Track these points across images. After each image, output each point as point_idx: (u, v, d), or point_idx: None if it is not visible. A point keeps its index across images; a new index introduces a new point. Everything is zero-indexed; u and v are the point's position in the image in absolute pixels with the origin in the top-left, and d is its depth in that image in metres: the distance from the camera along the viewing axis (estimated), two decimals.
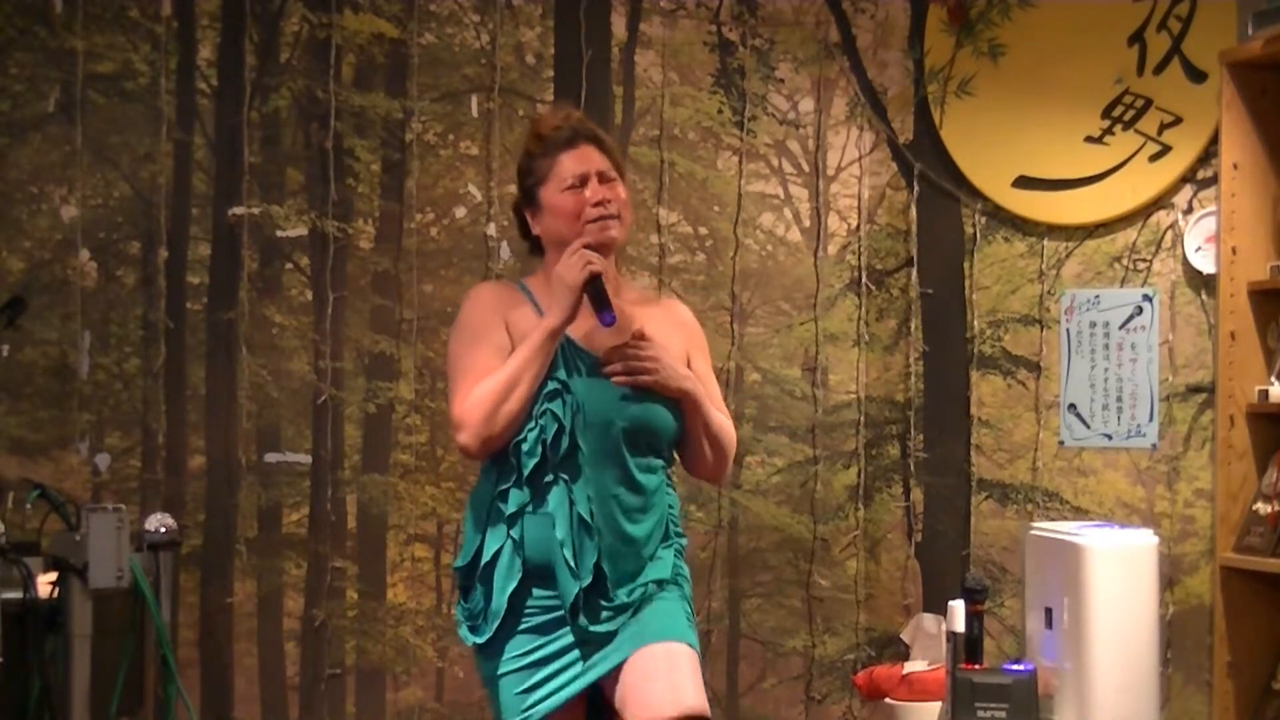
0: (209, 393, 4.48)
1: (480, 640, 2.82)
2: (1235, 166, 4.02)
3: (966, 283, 4.50)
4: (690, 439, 2.88)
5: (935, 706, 3.73)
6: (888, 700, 3.94)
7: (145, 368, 4.46)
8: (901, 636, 4.32)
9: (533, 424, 2.74)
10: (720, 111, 4.57)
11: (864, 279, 4.58)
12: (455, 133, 4.59)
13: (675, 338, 2.90)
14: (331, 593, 4.48)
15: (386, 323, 4.53)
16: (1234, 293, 4.02)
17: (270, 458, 4.49)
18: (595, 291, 2.73)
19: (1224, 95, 4.01)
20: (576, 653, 2.77)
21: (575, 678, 2.77)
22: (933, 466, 4.51)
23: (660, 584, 2.82)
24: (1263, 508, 3.94)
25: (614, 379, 2.77)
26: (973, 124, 4.47)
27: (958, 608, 3.47)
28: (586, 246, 2.76)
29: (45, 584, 3.19)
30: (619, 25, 4.58)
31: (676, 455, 2.94)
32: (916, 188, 4.54)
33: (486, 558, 2.79)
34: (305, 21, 4.53)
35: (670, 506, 2.89)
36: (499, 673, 2.80)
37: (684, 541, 2.93)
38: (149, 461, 4.45)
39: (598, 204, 2.79)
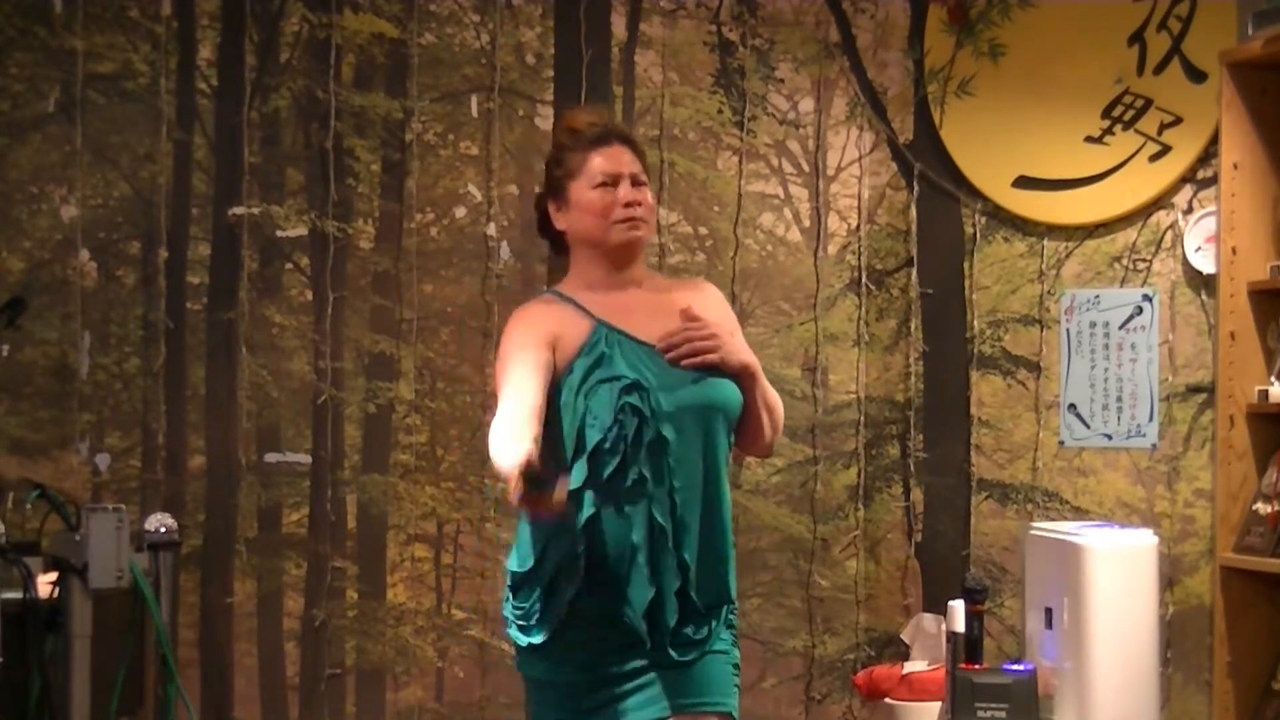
0: (209, 393, 4.48)
1: (536, 641, 2.70)
2: (1235, 166, 4.02)
3: (966, 283, 4.50)
4: (751, 413, 2.77)
5: (935, 706, 3.73)
6: (888, 700, 3.94)
7: (145, 368, 4.46)
8: (901, 636, 4.32)
9: (613, 423, 2.62)
10: (720, 111, 4.57)
11: (864, 279, 4.58)
12: (455, 133, 4.59)
13: (716, 316, 2.82)
14: (331, 593, 4.48)
15: (386, 323, 4.53)
16: (1234, 293, 4.02)
17: (270, 458, 4.49)
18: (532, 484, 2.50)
19: (1224, 95, 4.01)
20: (634, 681, 2.65)
21: (623, 711, 2.65)
22: (933, 466, 4.51)
23: (714, 635, 2.70)
24: (1263, 508, 3.94)
25: (682, 363, 2.68)
26: (973, 124, 4.47)
27: (958, 608, 3.47)
28: (615, 245, 2.73)
29: (45, 584, 3.19)
30: (619, 25, 4.58)
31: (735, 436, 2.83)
32: (916, 188, 4.54)
33: (551, 562, 2.67)
34: (305, 21, 4.53)
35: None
36: (546, 678, 2.71)
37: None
38: (149, 461, 4.45)
39: (628, 204, 2.74)
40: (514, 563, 2.74)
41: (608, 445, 2.62)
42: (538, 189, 2.90)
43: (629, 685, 2.66)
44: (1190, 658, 4.23)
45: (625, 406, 2.62)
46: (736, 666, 2.76)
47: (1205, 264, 4.22)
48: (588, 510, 2.63)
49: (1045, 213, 4.42)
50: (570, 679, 2.68)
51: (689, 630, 2.66)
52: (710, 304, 2.85)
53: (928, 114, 4.51)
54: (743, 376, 2.74)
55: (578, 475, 2.63)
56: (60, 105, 4.43)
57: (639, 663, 2.65)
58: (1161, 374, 4.30)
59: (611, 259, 2.77)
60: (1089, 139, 4.36)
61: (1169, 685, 4.18)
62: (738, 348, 2.74)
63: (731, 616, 2.76)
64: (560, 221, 2.82)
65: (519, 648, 2.74)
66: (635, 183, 2.77)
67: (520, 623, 2.72)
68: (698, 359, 2.68)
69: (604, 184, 2.75)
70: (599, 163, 2.76)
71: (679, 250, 4.59)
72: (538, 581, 2.68)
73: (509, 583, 2.75)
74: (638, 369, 2.66)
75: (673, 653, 2.65)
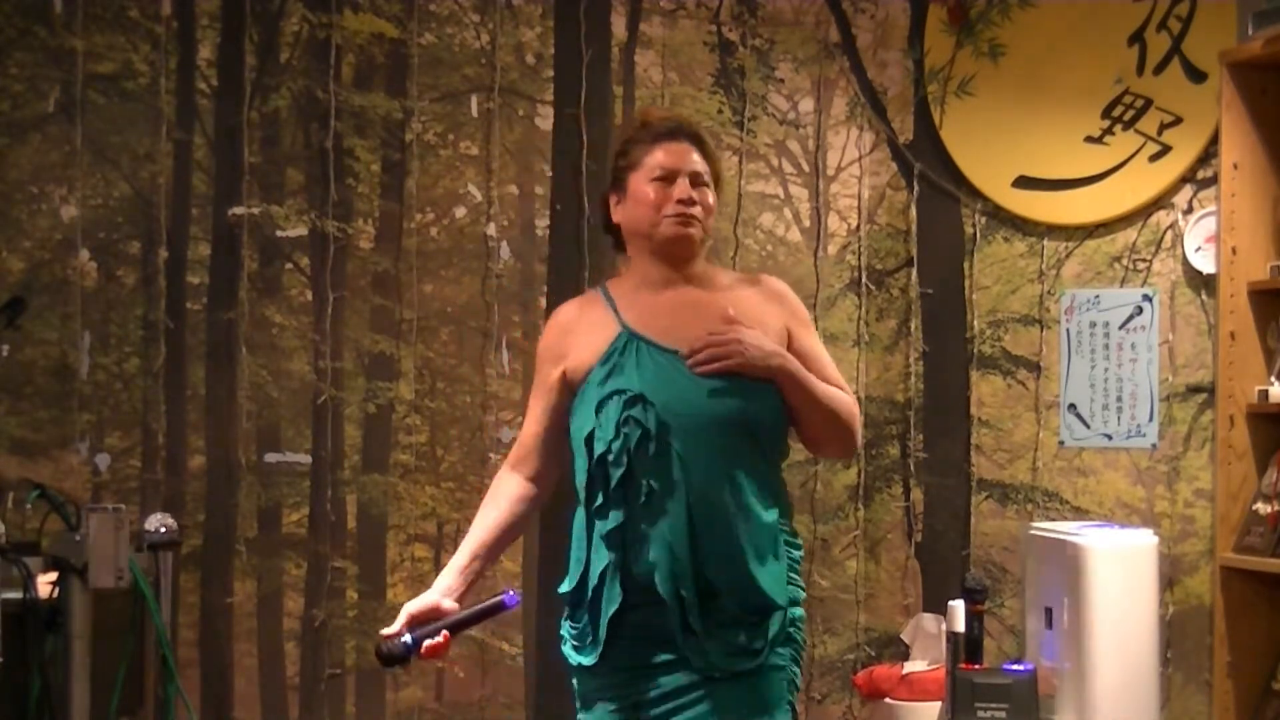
0: (209, 393, 4.48)
1: (586, 662, 2.67)
2: (1235, 166, 4.02)
3: (966, 283, 4.50)
4: (801, 417, 2.70)
5: (935, 706, 3.73)
6: (888, 700, 3.94)
7: (145, 368, 4.46)
8: (901, 636, 4.32)
9: (616, 435, 2.61)
10: (720, 111, 4.57)
11: (864, 279, 4.58)
12: (455, 133, 4.59)
13: (771, 313, 2.76)
14: (331, 593, 4.48)
15: (386, 323, 4.53)
16: (1234, 293, 4.02)
17: (270, 458, 4.49)
18: (470, 624, 2.72)
19: (1224, 95, 4.01)
20: (677, 695, 2.62)
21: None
22: (933, 466, 4.51)
23: (773, 642, 2.65)
24: (1263, 508, 3.94)
25: (697, 370, 2.63)
26: (973, 124, 4.47)
27: (958, 608, 3.47)
28: (663, 240, 2.71)
29: (45, 584, 3.19)
30: (619, 25, 4.58)
31: (800, 441, 2.79)
32: (916, 188, 4.54)
33: (594, 580, 2.65)
34: (305, 21, 4.53)
35: (781, 524, 2.70)
36: (598, 696, 2.69)
37: (798, 554, 2.73)
38: (149, 461, 4.45)
39: (682, 201, 2.70)
40: (563, 584, 2.74)
41: (611, 457, 2.61)
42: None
43: (678, 701, 2.62)
44: (1190, 658, 4.23)
45: (628, 419, 2.61)
46: (793, 684, 2.70)
47: (1205, 264, 4.22)
48: (613, 523, 2.62)
49: (1045, 213, 4.42)
50: (617, 695, 2.66)
51: (740, 638, 2.62)
52: (765, 302, 2.78)
53: (928, 114, 4.51)
54: (779, 381, 2.66)
55: (599, 493, 2.64)
56: (60, 105, 4.43)
57: (687, 677, 2.62)
58: (1161, 374, 4.30)
59: (663, 255, 2.73)
60: (1089, 139, 4.36)
61: (1169, 685, 4.18)
62: (768, 351, 2.65)
63: (791, 630, 2.69)
64: (617, 214, 2.78)
65: (571, 666, 2.73)
66: (695, 182, 2.72)
67: (575, 643, 2.71)
68: (718, 366, 2.62)
69: (661, 178, 2.71)
70: (659, 156, 2.73)
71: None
72: (584, 601, 2.67)
73: (567, 602, 2.74)
74: (649, 380, 2.63)
75: (719, 661, 2.60)
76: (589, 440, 2.65)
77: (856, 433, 2.78)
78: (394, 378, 4.52)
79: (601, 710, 2.69)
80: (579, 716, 2.74)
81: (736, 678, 2.62)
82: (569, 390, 2.74)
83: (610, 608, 2.62)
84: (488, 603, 2.67)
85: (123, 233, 4.49)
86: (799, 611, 2.72)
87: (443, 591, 2.69)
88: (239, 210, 4.50)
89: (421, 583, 4.52)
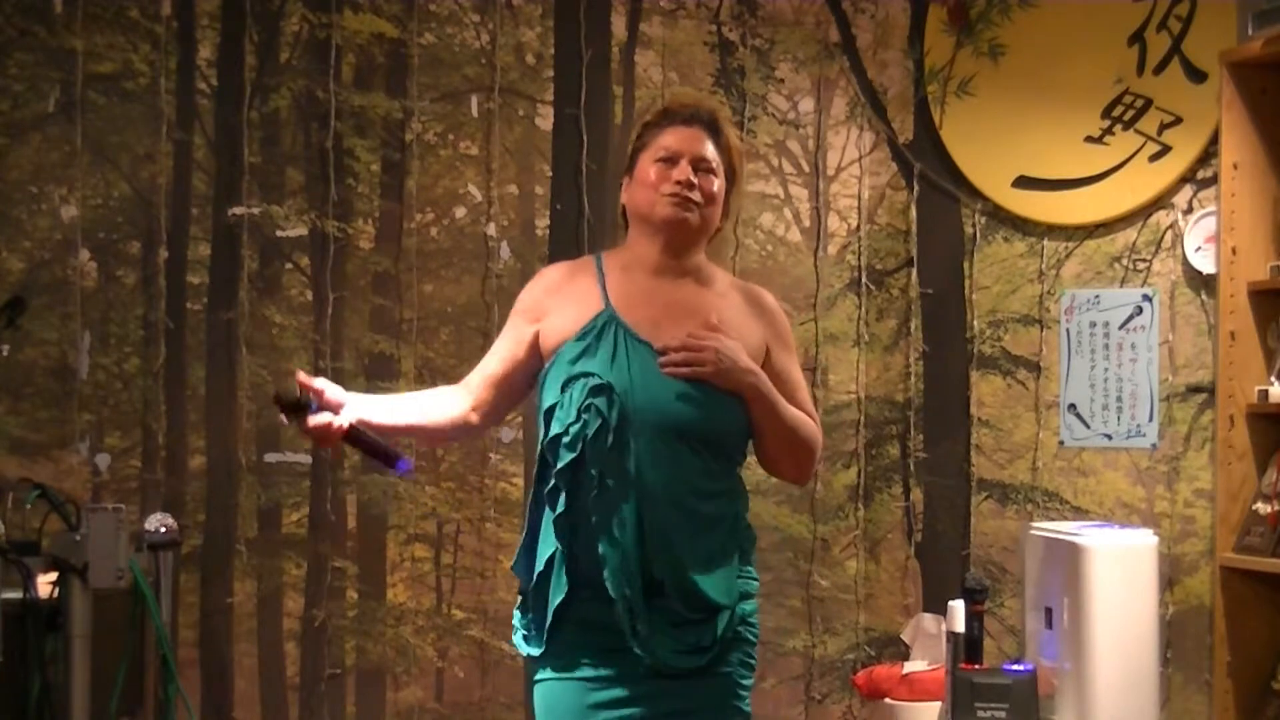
0: (209, 393, 4.48)
1: (534, 652, 2.66)
2: (1235, 166, 4.02)
3: (966, 283, 4.50)
4: (760, 437, 2.70)
5: (935, 706, 3.73)
6: (888, 700, 3.94)
7: (145, 368, 4.46)
8: (901, 636, 4.32)
9: (576, 419, 2.57)
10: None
11: (864, 279, 4.58)
12: (455, 133, 4.59)
13: (754, 327, 2.74)
14: (331, 593, 4.48)
15: (386, 323, 4.53)
16: (1234, 293, 4.02)
17: (270, 458, 4.49)
18: (362, 444, 2.64)
19: (1224, 95, 4.01)
20: (625, 690, 2.59)
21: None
22: (933, 466, 4.51)
23: (722, 641, 2.64)
24: (1263, 508, 3.94)
25: (665, 370, 2.59)
26: (973, 124, 4.47)
27: (958, 608, 3.47)
28: (659, 221, 2.68)
29: (45, 584, 3.19)
30: (619, 25, 4.58)
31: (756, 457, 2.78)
32: (916, 188, 4.54)
33: (540, 565, 2.62)
34: (305, 21, 4.53)
35: (737, 521, 2.70)
36: (547, 683, 2.65)
37: (750, 545, 2.73)
38: (149, 461, 4.45)
39: (680, 183, 2.66)
40: (513, 562, 2.72)
41: (566, 439, 2.58)
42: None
43: (626, 693, 2.59)
44: (1190, 658, 4.23)
45: (590, 406, 2.57)
46: (742, 686, 2.69)
47: (1205, 264, 4.22)
48: (561, 509, 2.59)
49: (1045, 213, 4.42)
50: (564, 680, 2.63)
51: (690, 636, 2.60)
52: (751, 314, 2.75)
53: (928, 114, 4.51)
54: (743, 395, 2.64)
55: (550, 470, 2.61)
56: (60, 105, 4.43)
57: (635, 672, 2.59)
58: (1161, 374, 4.30)
59: (661, 240, 2.69)
60: (1089, 139, 4.36)
61: (1169, 685, 4.18)
62: (742, 367, 2.62)
63: (740, 628, 2.68)
64: (624, 195, 2.77)
65: (524, 659, 2.72)
66: (699, 167, 2.68)
67: (524, 632, 2.70)
68: (688, 371, 2.60)
69: (665, 159, 2.69)
70: (667, 138, 2.70)
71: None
72: (535, 587, 2.65)
73: (519, 589, 2.72)
74: (620, 371, 2.60)
75: (666, 659, 2.59)
76: (548, 415, 2.62)
77: (814, 460, 2.81)
78: (394, 378, 4.52)
79: (553, 681, 2.64)
80: (534, 689, 2.68)
81: (687, 675, 2.61)
82: (535, 351, 2.72)
83: (557, 596, 2.60)
84: (389, 448, 2.64)
85: (123, 233, 4.49)
86: (750, 606, 2.71)
87: (358, 401, 2.68)
88: (239, 210, 4.49)
89: (421, 582, 4.53)
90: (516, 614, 2.72)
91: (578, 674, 2.62)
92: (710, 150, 2.71)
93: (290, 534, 4.50)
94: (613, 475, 2.57)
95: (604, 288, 2.69)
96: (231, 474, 4.46)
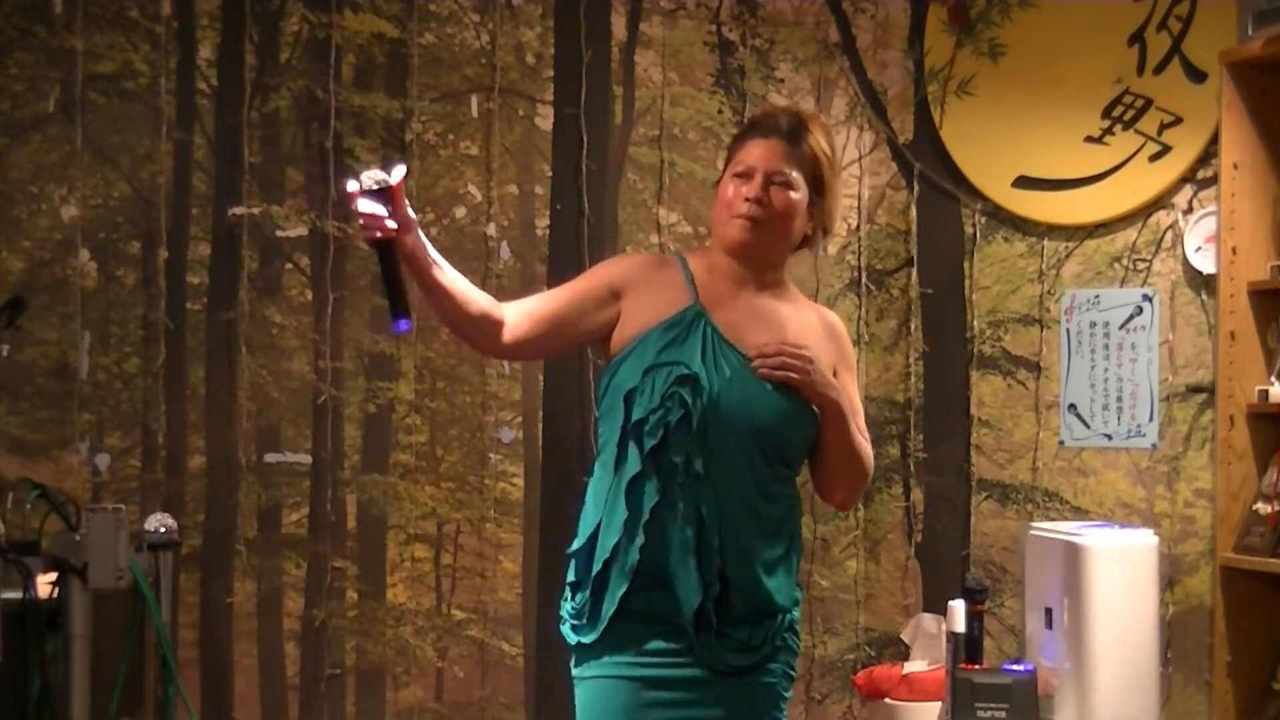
0: (209, 393, 4.48)
1: (585, 640, 2.61)
2: (1235, 166, 4.02)
3: (966, 283, 4.50)
4: (824, 456, 2.71)
5: (935, 706, 3.73)
6: (888, 700, 3.94)
7: (145, 368, 4.46)
8: (901, 636, 4.31)
9: (659, 407, 2.55)
10: (720, 111, 4.57)
11: (864, 279, 4.58)
12: (455, 133, 4.59)
13: (828, 348, 2.74)
14: (331, 593, 4.48)
15: (386, 323, 4.52)
16: (1234, 293, 4.02)
17: (270, 458, 4.49)
18: (389, 266, 2.48)
19: (1224, 95, 4.01)
20: (677, 693, 2.58)
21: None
22: (933, 466, 4.51)
23: (771, 644, 2.64)
24: (1263, 508, 3.94)
25: (760, 370, 2.59)
26: (973, 124, 4.47)
27: (958, 608, 3.47)
28: (725, 242, 2.66)
29: (45, 584, 3.19)
30: (619, 25, 4.58)
31: (810, 476, 2.78)
32: (916, 188, 4.54)
33: (604, 552, 2.58)
34: (305, 21, 4.53)
35: (796, 529, 2.71)
36: (596, 677, 2.61)
37: (799, 591, 2.73)
38: (149, 461, 4.45)
39: (750, 200, 2.63)
40: (574, 544, 2.66)
41: (647, 427, 2.56)
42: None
43: (679, 694, 2.59)
44: (1190, 658, 4.23)
45: (675, 394, 2.56)
46: (784, 696, 2.69)
47: (1205, 264, 4.22)
48: (649, 497, 2.56)
49: (1045, 213, 4.42)
50: (615, 675, 2.60)
51: (743, 635, 2.60)
52: (823, 334, 2.75)
53: (928, 114, 4.51)
54: (825, 412, 2.65)
55: (632, 461, 2.56)
56: (60, 105, 4.43)
57: (689, 670, 2.59)
58: (1161, 374, 4.30)
59: (733, 255, 2.69)
60: (1089, 139, 4.36)
61: (1169, 685, 4.18)
62: (828, 382, 2.64)
63: (788, 634, 2.68)
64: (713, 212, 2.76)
65: (569, 646, 2.67)
66: (774, 181, 2.65)
67: (574, 621, 2.65)
68: (782, 375, 2.60)
69: (740, 174, 2.67)
70: (747, 153, 2.68)
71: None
72: (587, 577, 2.61)
73: (568, 580, 2.68)
74: (709, 366, 2.59)
75: (722, 656, 2.59)
76: (628, 398, 2.59)
77: (864, 487, 2.82)
78: (394, 378, 4.52)
79: (604, 686, 2.61)
80: (576, 673, 2.65)
81: (735, 674, 2.61)
82: (604, 320, 2.66)
83: (620, 587, 2.57)
84: (405, 292, 2.52)
85: (123, 233, 4.49)
86: (797, 614, 2.72)
87: (419, 235, 2.55)
88: (239, 210, 4.50)
89: (421, 582, 4.53)
90: (565, 604, 2.67)
91: (628, 672, 2.59)
92: (787, 163, 2.67)
93: (290, 534, 4.50)
94: (691, 466, 2.56)
95: (692, 284, 2.68)
96: (231, 474, 4.46)
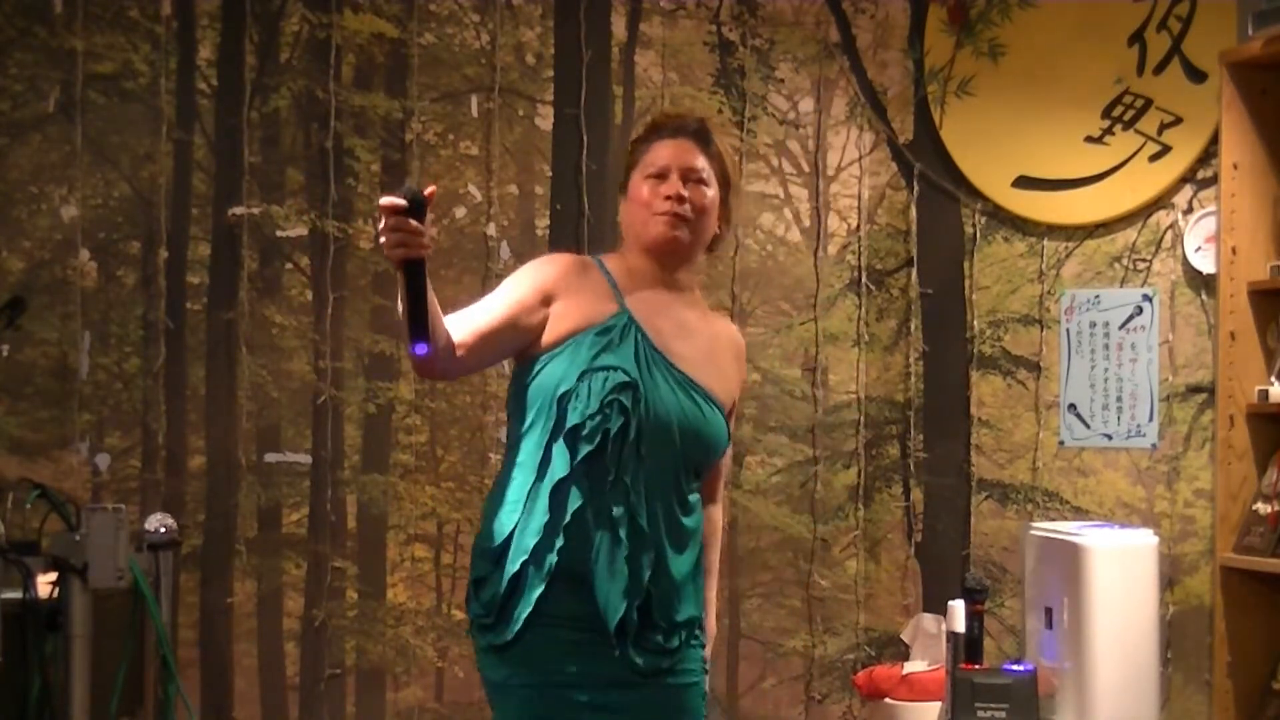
0: (209, 393, 4.48)
1: (497, 641, 2.57)
2: (1235, 166, 4.02)
3: (966, 283, 4.50)
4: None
5: (935, 706, 3.73)
6: (888, 700, 3.94)
7: (145, 368, 4.46)
8: (901, 636, 4.32)
9: (598, 413, 2.52)
10: (720, 111, 4.57)
11: (864, 279, 4.58)
12: (455, 133, 4.59)
13: (734, 369, 2.77)
14: (331, 593, 4.48)
15: (386, 323, 4.53)
16: (1234, 293, 4.02)
17: (270, 458, 4.49)
18: (415, 286, 2.39)
19: (1224, 95, 4.01)
20: (594, 693, 2.56)
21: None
22: (933, 466, 4.51)
23: (683, 646, 2.65)
24: (1263, 508, 3.94)
25: None
26: (973, 124, 4.47)
27: (958, 608, 3.47)
28: (650, 240, 2.65)
29: (45, 584, 3.19)
30: (619, 25, 4.58)
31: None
32: (916, 188, 4.54)
33: (520, 552, 2.54)
34: (305, 21, 4.53)
35: (698, 539, 2.69)
36: (510, 682, 2.59)
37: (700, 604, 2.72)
38: (149, 461, 4.45)
39: (670, 198, 2.64)
40: (479, 543, 2.62)
41: (585, 432, 2.53)
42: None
43: (593, 697, 2.56)
44: (1190, 658, 4.23)
45: (615, 402, 2.54)
46: (705, 695, 2.71)
47: (1205, 264, 4.22)
48: (574, 502, 2.53)
49: (1045, 213, 4.42)
50: (531, 682, 2.57)
51: (659, 638, 2.59)
52: (730, 353, 2.77)
53: (928, 114, 4.52)
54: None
55: (559, 463, 2.54)
56: (60, 105, 4.43)
57: (605, 672, 2.57)
58: (1161, 374, 4.30)
59: (652, 257, 2.68)
60: (1089, 139, 4.36)
61: (1169, 685, 4.18)
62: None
63: (699, 634, 2.69)
64: (621, 214, 2.75)
65: (479, 648, 2.63)
66: (690, 179, 2.66)
67: (482, 621, 2.60)
68: None
69: (654, 175, 2.66)
70: (657, 153, 2.68)
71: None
72: (502, 576, 2.56)
73: (472, 577, 2.63)
74: (645, 374, 2.58)
75: (639, 660, 2.57)
76: (562, 400, 2.55)
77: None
78: (394, 378, 4.52)
79: (512, 698, 2.59)
80: (488, 675, 2.62)
81: (653, 675, 2.60)
82: (536, 327, 2.61)
83: (536, 589, 2.53)
84: (432, 314, 2.41)
85: (123, 233, 4.49)
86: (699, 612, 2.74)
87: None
88: (239, 210, 4.49)
89: (421, 582, 4.53)
90: (472, 603, 2.62)
91: (545, 678, 2.56)
92: (700, 160, 2.69)
93: (290, 534, 4.50)
94: (625, 473, 2.54)
95: (616, 289, 2.67)
96: (231, 474, 4.46)
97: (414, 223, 2.35)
